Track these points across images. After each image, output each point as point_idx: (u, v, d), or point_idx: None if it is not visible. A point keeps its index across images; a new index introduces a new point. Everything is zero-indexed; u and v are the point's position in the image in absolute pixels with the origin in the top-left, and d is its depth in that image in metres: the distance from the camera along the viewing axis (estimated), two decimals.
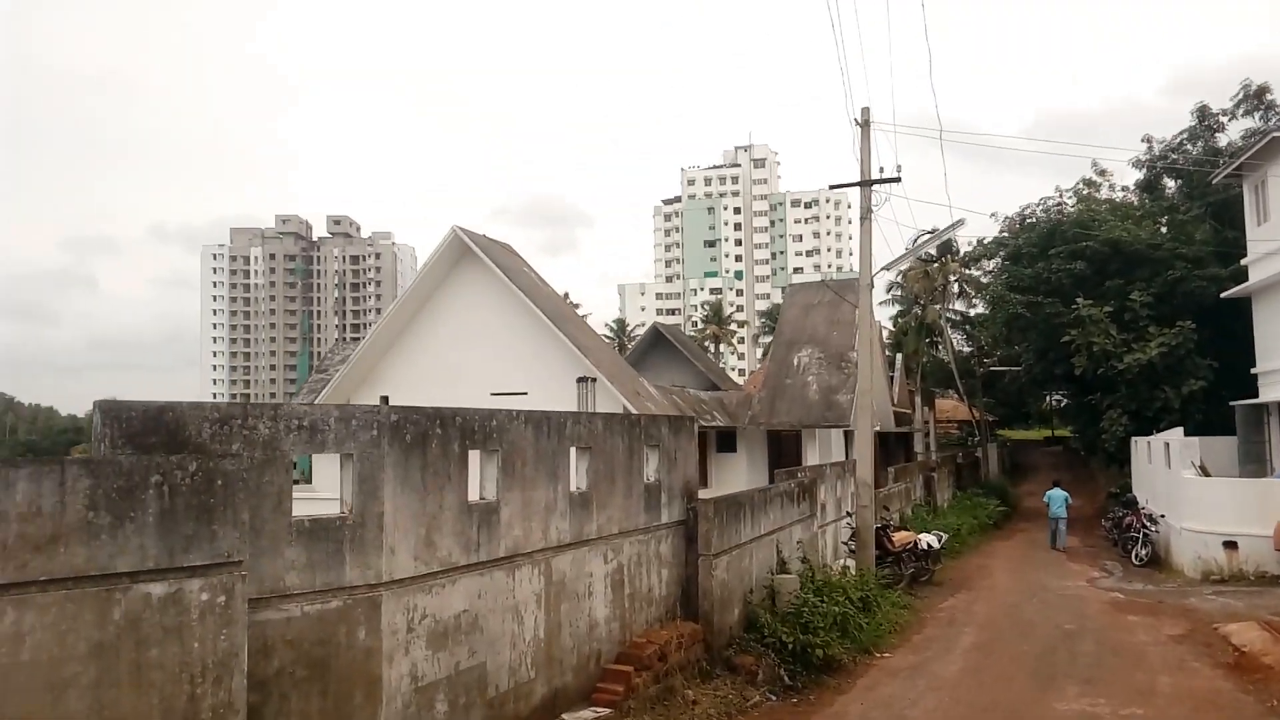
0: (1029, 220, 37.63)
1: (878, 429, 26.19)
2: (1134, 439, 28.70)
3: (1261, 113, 32.92)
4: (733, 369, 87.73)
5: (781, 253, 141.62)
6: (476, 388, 20.83)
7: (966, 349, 52.72)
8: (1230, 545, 18.65)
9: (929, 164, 25.04)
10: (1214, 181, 28.38)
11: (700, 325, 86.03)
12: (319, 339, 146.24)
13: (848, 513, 18.94)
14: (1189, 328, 28.07)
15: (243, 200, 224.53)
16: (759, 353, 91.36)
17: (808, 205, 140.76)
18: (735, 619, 11.53)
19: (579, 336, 23.96)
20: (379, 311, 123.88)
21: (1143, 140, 36.42)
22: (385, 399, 22.58)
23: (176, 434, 5.85)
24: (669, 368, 34.92)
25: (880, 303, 51.04)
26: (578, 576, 9.01)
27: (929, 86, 54.15)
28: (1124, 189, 38.52)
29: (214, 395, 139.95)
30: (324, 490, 13.28)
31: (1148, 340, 28.53)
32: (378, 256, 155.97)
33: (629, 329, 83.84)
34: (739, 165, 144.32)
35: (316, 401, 23.98)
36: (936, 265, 46.73)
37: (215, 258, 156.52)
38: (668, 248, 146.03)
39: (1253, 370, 25.16)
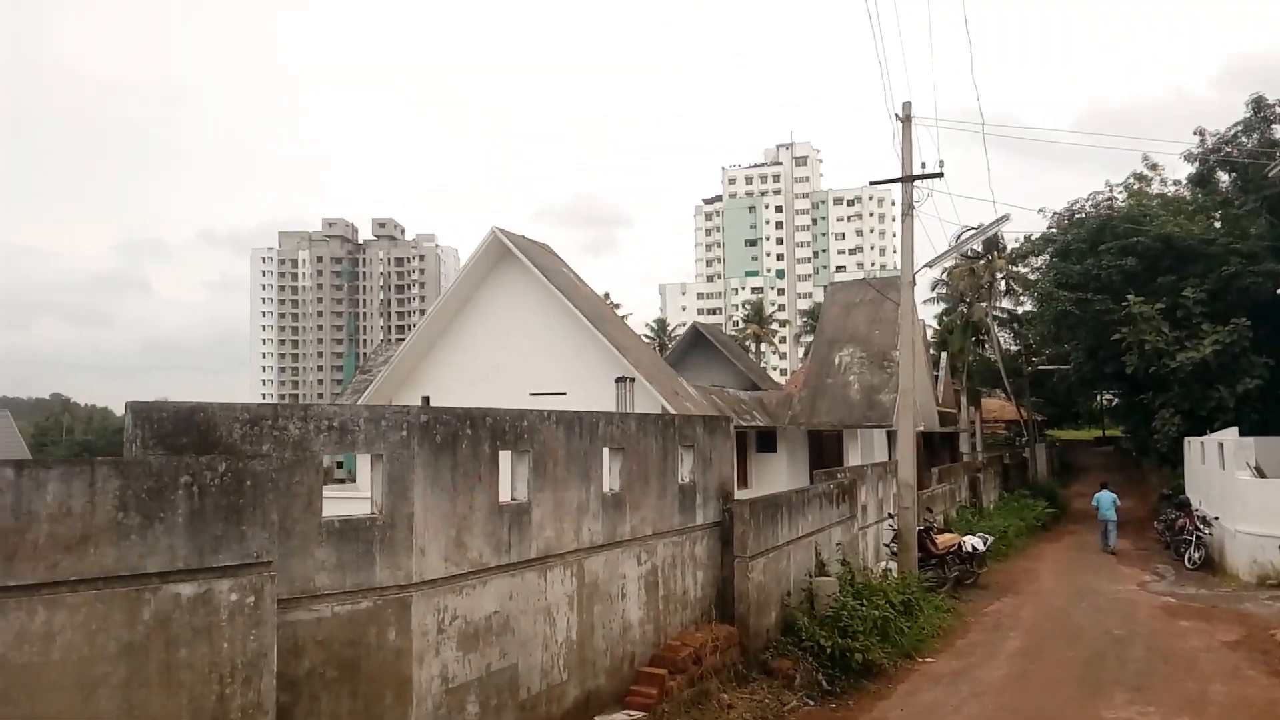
0: (1078, 216, 36.80)
1: (921, 429, 25.80)
2: (1187, 439, 27.97)
3: None
4: (774, 369, 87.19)
5: (824, 251, 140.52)
6: (516, 388, 20.90)
7: (1014, 347, 51.75)
8: None
9: (973, 159, 24.60)
10: (1270, 174, 27.56)
11: (741, 325, 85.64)
12: (365, 340, 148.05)
13: (889, 514, 18.66)
14: (1244, 325, 27.28)
15: (289, 203, 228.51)
16: (800, 352, 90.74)
17: (850, 203, 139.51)
18: (772, 622, 11.38)
19: (618, 336, 23.93)
20: (422, 312, 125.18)
21: (1195, 133, 35.41)
22: (426, 399, 22.74)
23: (207, 435, 5.88)
24: (709, 367, 34.79)
25: (924, 301, 50.46)
26: (611, 578, 8.94)
27: (971, 80, 53.59)
28: (1176, 183, 37.54)
29: (263, 396, 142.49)
30: (366, 489, 13.40)
31: (1201, 338, 27.77)
32: (421, 258, 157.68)
33: (670, 329, 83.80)
34: (780, 163, 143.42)
35: (359, 402, 24.21)
36: (983, 262, 46.00)
37: (264, 261, 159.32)
38: (709, 247, 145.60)
39: None
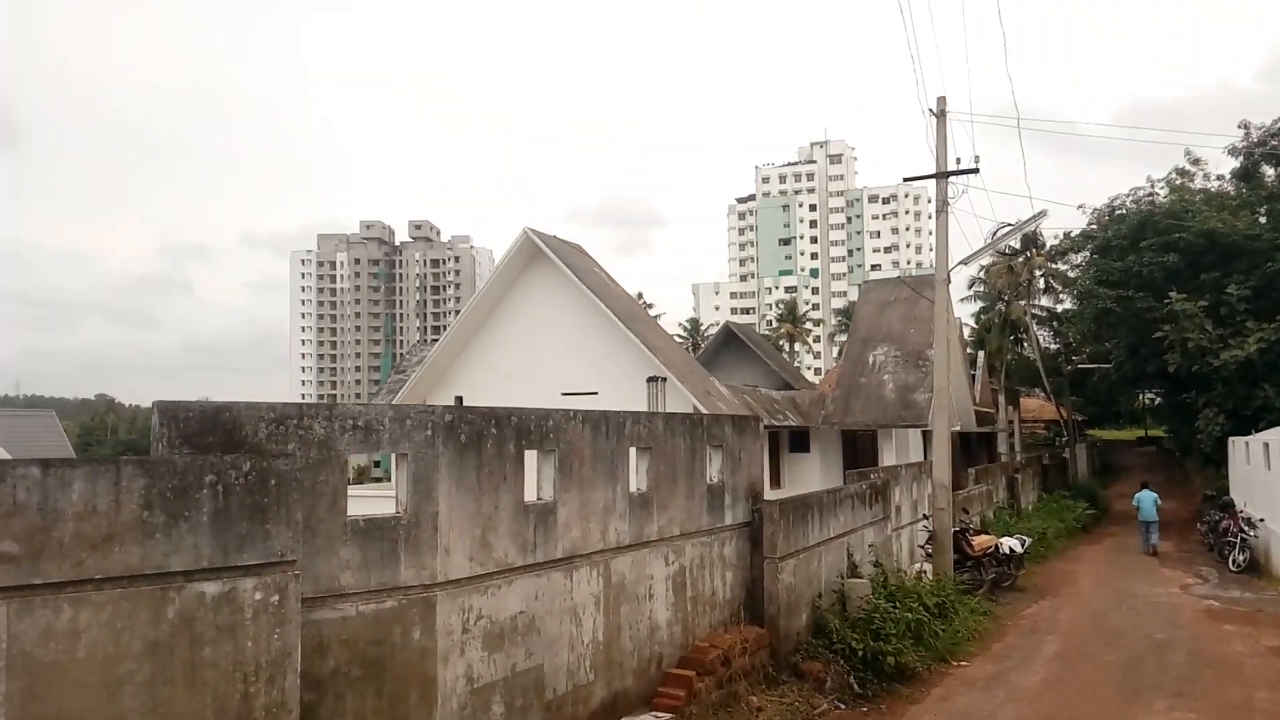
0: (1118, 212, 36.11)
1: (957, 429, 25.48)
2: (1231, 439, 27.35)
3: None
4: (809, 368, 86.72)
5: (859, 249, 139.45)
6: (548, 387, 20.96)
7: (1053, 346, 50.90)
8: None
9: (1010, 155, 24.22)
10: None
11: (775, 324, 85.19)
12: (401, 340, 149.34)
13: (924, 515, 18.42)
14: None
15: (327, 206, 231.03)
16: (835, 351, 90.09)
17: (885, 201, 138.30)
18: (802, 624, 11.26)
19: (649, 336, 23.88)
20: (457, 313, 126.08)
21: (1239, 126, 34.55)
22: (459, 399, 22.86)
23: (233, 434, 5.91)
24: (741, 367, 34.63)
25: (961, 299, 49.86)
26: (638, 579, 8.88)
27: (1006, 73, 52.29)
28: (1219, 178, 36.68)
29: (302, 396, 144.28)
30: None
31: (1246, 336, 27.13)
32: (457, 260, 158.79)
33: (703, 328, 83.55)
34: (814, 162, 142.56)
35: (394, 401, 24.39)
36: (1021, 260, 45.33)
37: (303, 263, 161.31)
38: (742, 246, 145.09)
39: None
